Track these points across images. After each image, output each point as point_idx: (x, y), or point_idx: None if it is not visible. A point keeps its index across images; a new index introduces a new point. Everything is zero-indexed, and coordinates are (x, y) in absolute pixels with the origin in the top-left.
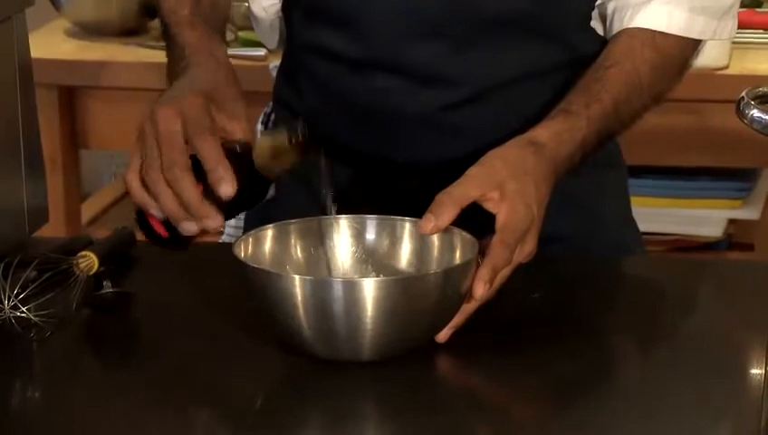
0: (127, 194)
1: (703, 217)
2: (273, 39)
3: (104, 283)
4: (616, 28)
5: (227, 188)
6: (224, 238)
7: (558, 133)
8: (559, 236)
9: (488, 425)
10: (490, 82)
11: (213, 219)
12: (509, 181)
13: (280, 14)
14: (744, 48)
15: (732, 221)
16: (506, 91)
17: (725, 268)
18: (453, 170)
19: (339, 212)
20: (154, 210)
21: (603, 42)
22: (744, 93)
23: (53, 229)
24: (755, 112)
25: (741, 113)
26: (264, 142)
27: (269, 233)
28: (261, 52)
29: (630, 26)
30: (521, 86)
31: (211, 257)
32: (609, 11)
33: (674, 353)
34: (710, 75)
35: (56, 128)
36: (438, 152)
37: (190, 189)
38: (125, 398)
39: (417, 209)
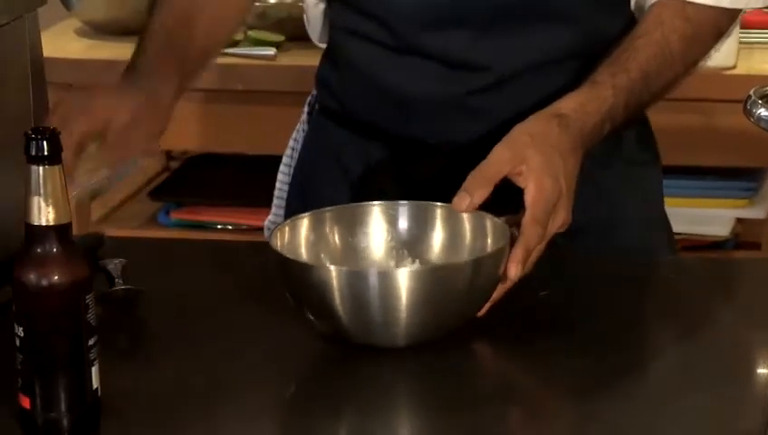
0: (137, 193)
1: (710, 217)
2: (316, 29)
3: (115, 280)
4: (649, 1)
5: None
6: (266, 232)
7: (582, 104)
8: (578, 228)
9: (516, 409)
10: (514, 66)
11: None
12: (534, 155)
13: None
14: (751, 48)
15: (739, 220)
16: (530, 75)
17: (734, 267)
18: (479, 152)
19: (372, 191)
20: None
21: (631, 24)
22: (751, 92)
23: None
24: (763, 111)
25: (748, 112)
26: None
27: (305, 221)
28: (270, 51)
29: None
30: (544, 70)
31: (222, 254)
32: None
33: (682, 352)
34: (717, 75)
35: None
36: (465, 135)
37: None
38: (140, 394)
39: (443, 188)
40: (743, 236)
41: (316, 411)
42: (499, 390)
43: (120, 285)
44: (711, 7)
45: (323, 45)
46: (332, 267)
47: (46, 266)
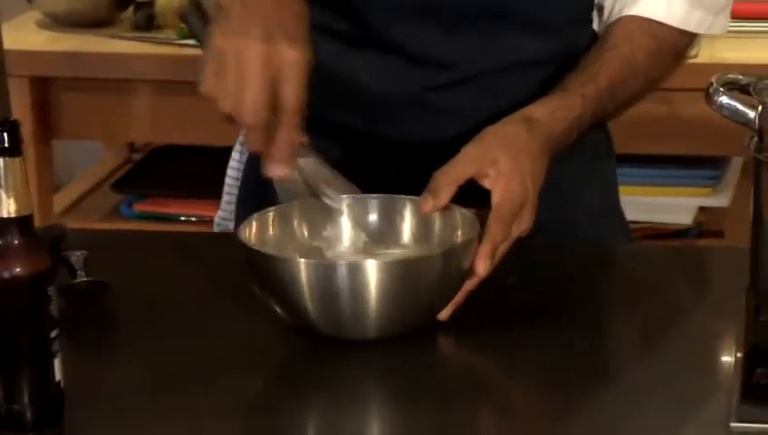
0: (99, 185)
1: (673, 205)
2: None
3: (78, 272)
4: (615, 15)
5: (279, 170)
6: (216, 228)
7: (552, 110)
8: (539, 224)
9: (486, 402)
10: (478, 67)
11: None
12: (503, 158)
13: None
14: (712, 36)
15: (702, 209)
16: (495, 77)
17: (696, 254)
18: (440, 150)
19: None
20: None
21: (594, 38)
22: (713, 80)
23: None
24: (724, 99)
25: (710, 100)
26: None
27: (271, 216)
28: None
29: (630, 13)
30: (509, 74)
31: (185, 245)
32: (608, 1)
33: (646, 341)
34: None
35: (28, 118)
36: (425, 132)
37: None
38: (103, 387)
39: (403, 187)
40: (705, 225)
41: (285, 405)
42: (468, 382)
43: (82, 277)
44: (676, 29)
45: None
46: (301, 260)
47: (8, 258)
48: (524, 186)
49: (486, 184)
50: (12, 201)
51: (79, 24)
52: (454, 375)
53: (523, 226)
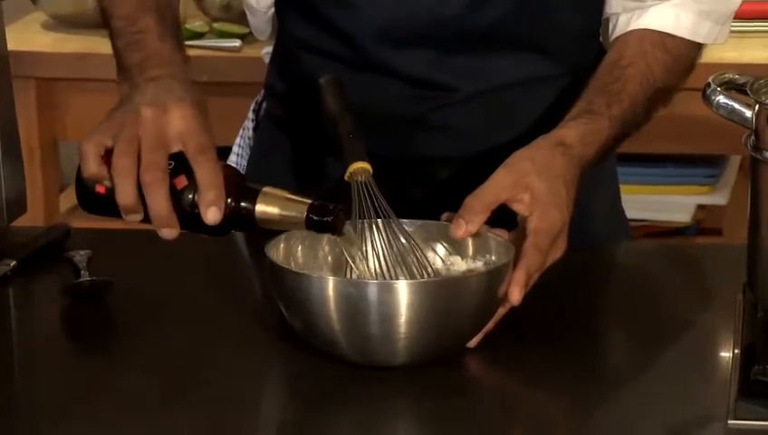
0: None
1: (672, 203)
2: (266, 31)
3: (82, 271)
4: (621, 29)
5: (215, 216)
6: None
7: (584, 135)
8: None
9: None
10: (478, 87)
11: (171, 230)
12: (539, 183)
13: (273, 8)
14: None
15: (701, 207)
16: (496, 96)
17: (695, 252)
18: (459, 169)
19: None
20: (105, 184)
21: (599, 50)
22: (710, 80)
23: (32, 219)
24: (721, 98)
25: (707, 99)
26: (279, 207)
27: (299, 236)
28: (235, 43)
29: (638, 27)
30: (511, 92)
31: (187, 244)
32: (615, 13)
33: (644, 337)
34: None
35: (34, 120)
36: (429, 150)
37: (163, 200)
38: (107, 386)
39: (428, 207)
40: (704, 223)
41: (298, 417)
42: (504, 406)
43: (86, 277)
44: (687, 40)
45: (270, 42)
46: (330, 278)
47: None
48: (562, 214)
49: (519, 209)
50: None
51: (83, 26)
52: (484, 396)
53: (557, 254)
